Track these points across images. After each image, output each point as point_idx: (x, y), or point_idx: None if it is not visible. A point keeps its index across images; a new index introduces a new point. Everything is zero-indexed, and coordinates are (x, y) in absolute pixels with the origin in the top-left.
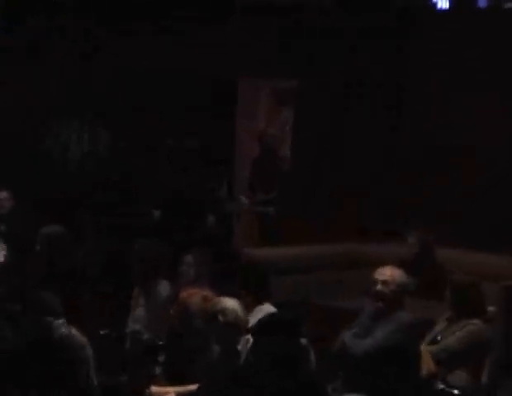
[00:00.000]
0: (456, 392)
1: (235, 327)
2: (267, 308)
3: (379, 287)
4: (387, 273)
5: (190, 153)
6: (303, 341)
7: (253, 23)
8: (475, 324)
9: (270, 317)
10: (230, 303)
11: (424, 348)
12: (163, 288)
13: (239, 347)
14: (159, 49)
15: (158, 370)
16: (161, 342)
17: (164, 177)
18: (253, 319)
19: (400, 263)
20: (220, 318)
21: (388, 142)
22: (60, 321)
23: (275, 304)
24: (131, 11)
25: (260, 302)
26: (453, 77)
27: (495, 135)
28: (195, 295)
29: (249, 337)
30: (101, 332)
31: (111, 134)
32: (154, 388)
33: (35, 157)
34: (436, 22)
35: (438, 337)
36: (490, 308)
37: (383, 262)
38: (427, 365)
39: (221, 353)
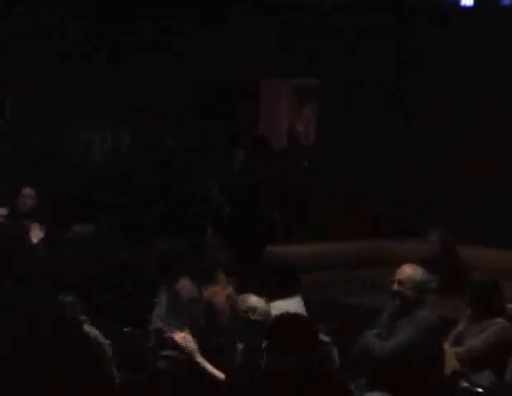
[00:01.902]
0: (480, 390)
1: (263, 325)
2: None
3: (395, 286)
4: (404, 272)
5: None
6: (326, 338)
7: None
8: (498, 323)
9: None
10: (260, 301)
11: (448, 347)
12: (185, 286)
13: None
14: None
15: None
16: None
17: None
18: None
19: (421, 261)
20: (250, 315)
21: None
22: (82, 320)
23: None
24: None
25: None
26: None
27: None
28: (219, 294)
29: None
30: (124, 330)
31: (131, 134)
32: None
33: (54, 156)
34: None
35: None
36: None
37: (406, 260)
38: (451, 364)
39: (246, 351)
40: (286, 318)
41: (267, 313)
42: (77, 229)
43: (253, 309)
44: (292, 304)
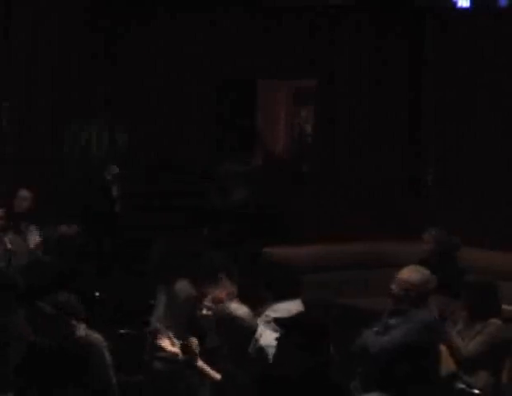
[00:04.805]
0: (476, 391)
1: (249, 333)
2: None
3: (392, 286)
4: (401, 273)
5: None
6: None
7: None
8: (493, 324)
9: (303, 315)
10: (244, 309)
11: (444, 348)
12: (183, 287)
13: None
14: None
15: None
16: (181, 341)
17: None
18: (276, 314)
19: (420, 262)
20: (236, 324)
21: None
22: (80, 322)
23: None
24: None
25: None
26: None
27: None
28: (223, 296)
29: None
30: (121, 331)
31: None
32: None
33: (54, 156)
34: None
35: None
36: (509, 308)
37: (406, 261)
38: (447, 365)
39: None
40: (304, 318)
41: (254, 323)
42: (63, 229)
43: (238, 318)
44: (294, 306)
